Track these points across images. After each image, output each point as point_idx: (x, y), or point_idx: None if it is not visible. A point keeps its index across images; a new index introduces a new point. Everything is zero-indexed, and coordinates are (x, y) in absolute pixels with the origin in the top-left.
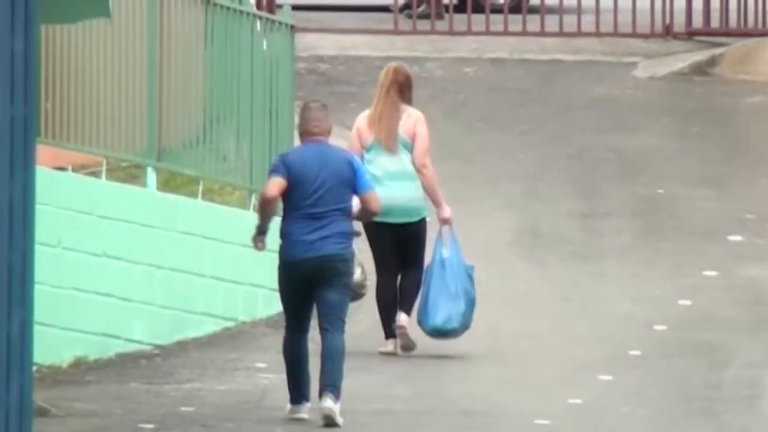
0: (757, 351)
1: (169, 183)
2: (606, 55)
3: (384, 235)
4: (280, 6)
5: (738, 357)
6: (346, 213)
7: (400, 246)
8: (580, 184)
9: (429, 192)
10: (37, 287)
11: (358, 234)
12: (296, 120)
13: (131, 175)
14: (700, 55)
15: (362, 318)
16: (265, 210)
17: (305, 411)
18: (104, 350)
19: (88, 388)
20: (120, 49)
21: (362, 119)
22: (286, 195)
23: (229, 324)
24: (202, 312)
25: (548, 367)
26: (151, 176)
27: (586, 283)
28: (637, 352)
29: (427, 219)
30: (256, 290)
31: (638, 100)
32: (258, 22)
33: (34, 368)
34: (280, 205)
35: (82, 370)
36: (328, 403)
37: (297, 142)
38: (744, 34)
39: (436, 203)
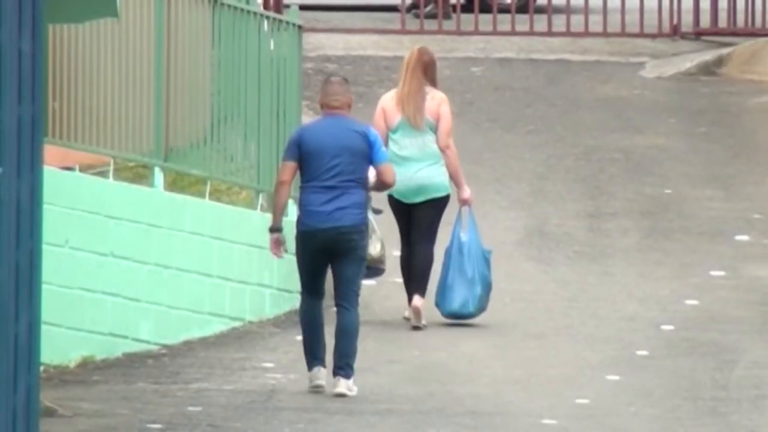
0: (764, 351)
1: (177, 183)
2: (613, 55)
3: (408, 212)
4: (287, 6)
5: (745, 357)
6: (362, 184)
7: (420, 218)
8: (587, 184)
9: (452, 172)
10: (44, 287)
11: (380, 211)
12: (302, 121)
13: (138, 175)
14: (708, 55)
15: (369, 318)
16: (279, 194)
17: (322, 377)
18: (111, 350)
19: (95, 388)
20: (127, 49)
21: (388, 99)
22: (303, 168)
23: (237, 324)
24: (209, 312)
25: (555, 367)
26: (159, 176)
27: (593, 283)
28: (644, 352)
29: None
30: (264, 290)
31: (645, 100)
32: (265, 22)
33: (42, 368)
34: (290, 193)
35: (89, 369)
36: (341, 388)
37: None
38: (751, 34)
39: (458, 184)
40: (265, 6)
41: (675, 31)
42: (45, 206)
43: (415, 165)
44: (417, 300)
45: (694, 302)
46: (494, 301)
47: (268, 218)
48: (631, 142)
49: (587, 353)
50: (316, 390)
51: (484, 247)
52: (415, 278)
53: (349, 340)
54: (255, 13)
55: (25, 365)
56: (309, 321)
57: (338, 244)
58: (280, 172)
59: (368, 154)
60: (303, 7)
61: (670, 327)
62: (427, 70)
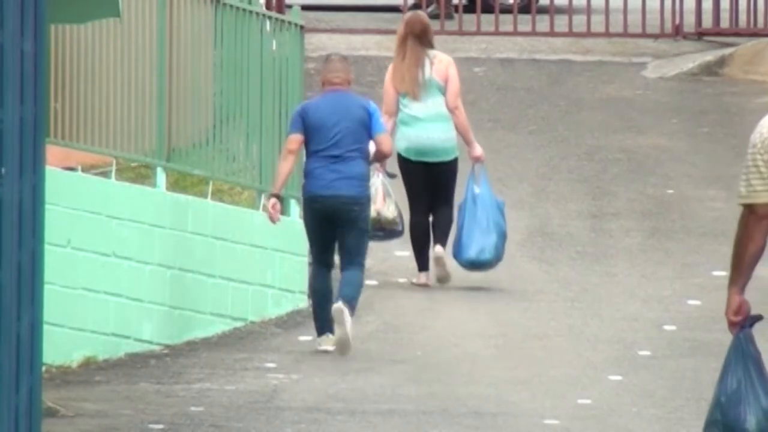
0: (767, 351)
1: (179, 183)
2: (615, 56)
3: (419, 172)
4: (289, 6)
5: None
6: (364, 155)
7: (434, 183)
8: (589, 184)
9: (461, 132)
10: (46, 287)
11: (394, 176)
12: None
13: (141, 175)
14: (710, 56)
15: (372, 318)
16: (284, 162)
17: (330, 343)
18: (114, 350)
19: (97, 388)
20: (129, 49)
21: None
22: (307, 140)
23: (239, 324)
24: (211, 312)
25: (557, 368)
26: (161, 176)
27: (595, 284)
28: (646, 352)
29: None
30: (266, 290)
31: (648, 100)
32: (267, 23)
33: (44, 368)
34: (294, 165)
35: (91, 370)
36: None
37: None
38: (754, 34)
39: (468, 142)
40: (268, 6)
41: (677, 32)
42: (47, 206)
43: (426, 125)
44: (439, 249)
45: (697, 302)
46: (496, 301)
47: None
48: (633, 142)
49: (589, 353)
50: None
51: (497, 198)
52: (436, 233)
53: (352, 286)
54: (257, 14)
55: (27, 365)
56: (318, 290)
57: (339, 213)
58: (287, 143)
59: (368, 125)
60: (305, 8)
61: (673, 327)
62: (421, 39)
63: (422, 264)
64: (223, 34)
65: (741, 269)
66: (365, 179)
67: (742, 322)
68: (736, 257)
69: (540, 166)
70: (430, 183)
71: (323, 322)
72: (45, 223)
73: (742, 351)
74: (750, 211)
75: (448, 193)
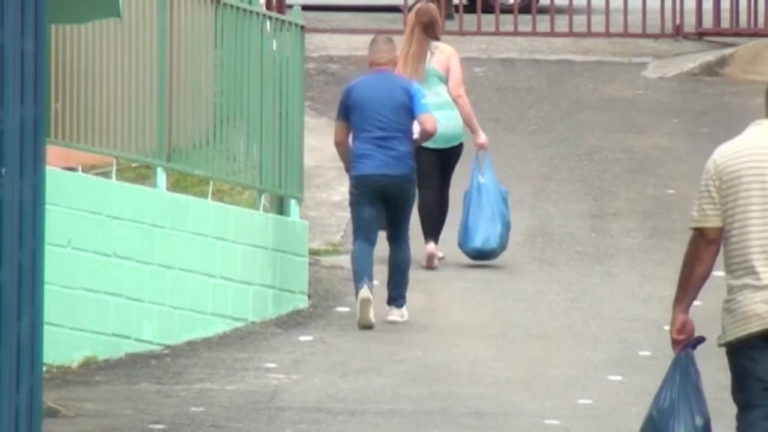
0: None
1: (179, 183)
2: (616, 56)
3: (428, 157)
4: (289, 6)
5: None
6: (408, 135)
7: (439, 167)
8: (589, 185)
9: (466, 119)
10: (46, 287)
11: None
12: (305, 122)
13: (141, 175)
14: (710, 56)
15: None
16: (339, 152)
17: (369, 291)
18: (114, 350)
19: (97, 388)
20: (130, 49)
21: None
22: (353, 121)
23: (239, 324)
24: (211, 312)
25: (558, 368)
26: (161, 176)
27: (595, 284)
28: (646, 353)
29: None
30: (266, 290)
31: (648, 100)
32: (268, 23)
33: (44, 368)
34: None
35: (91, 370)
36: (393, 316)
37: (307, 143)
38: (754, 34)
39: (473, 129)
40: (268, 6)
41: (677, 32)
42: (47, 206)
43: (433, 113)
44: (431, 247)
45: (697, 302)
46: (497, 301)
47: (270, 218)
48: (633, 142)
49: (590, 353)
50: (363, 303)
51: (501, 187)
52: (433, 223)
53: (401, 274)
54: (257, 14)
55: (27, 365)
56: (359, 256)
57: (389, 191)
58: (334, 134)
59: (410, 106)
60: (305, 8)
61: None
62: (427, 30)
63: (429, 235)
64: (223, 35)
65: (687, 289)
66: (411, 158)
67: (686, 341)
68: (684, 277)
69: (540, 166)
70: (438, 166)
71: (362, 275)
72: (45, 223)
73: (681, 370)
74: (700, 234)
75: (447, 177)
